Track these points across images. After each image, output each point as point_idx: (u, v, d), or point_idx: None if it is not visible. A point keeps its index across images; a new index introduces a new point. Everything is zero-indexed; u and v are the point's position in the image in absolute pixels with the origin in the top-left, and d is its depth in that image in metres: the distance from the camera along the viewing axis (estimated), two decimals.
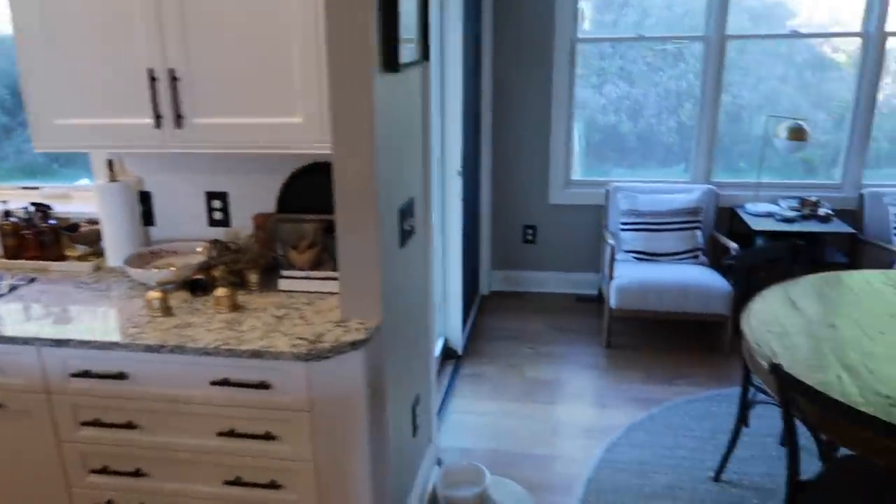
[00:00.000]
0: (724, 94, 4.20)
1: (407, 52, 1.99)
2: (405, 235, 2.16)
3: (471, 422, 3.13)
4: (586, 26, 4.27)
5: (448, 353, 3.71)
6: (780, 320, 2.16)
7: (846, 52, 4.09)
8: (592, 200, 4.39)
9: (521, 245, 4.59)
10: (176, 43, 1.87)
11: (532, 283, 4.63)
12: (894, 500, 1.80)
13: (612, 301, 3.68)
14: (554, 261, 4.58)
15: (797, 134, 3.82)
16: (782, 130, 3.87)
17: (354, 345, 1.81)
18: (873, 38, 3.92)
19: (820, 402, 1.57)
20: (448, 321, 3.70)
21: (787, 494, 1.80)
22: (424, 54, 2.25)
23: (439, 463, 2.79)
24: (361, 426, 1.91)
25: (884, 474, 1.67)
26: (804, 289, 2.42)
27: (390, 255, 2.01)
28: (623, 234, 4.00)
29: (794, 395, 1.67)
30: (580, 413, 3.17)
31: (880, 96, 4.06)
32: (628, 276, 3.67)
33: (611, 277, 3.72)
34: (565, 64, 4.22)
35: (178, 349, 1.80)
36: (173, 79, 1.89)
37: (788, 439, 1.75)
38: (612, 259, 3.77)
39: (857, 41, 4.01)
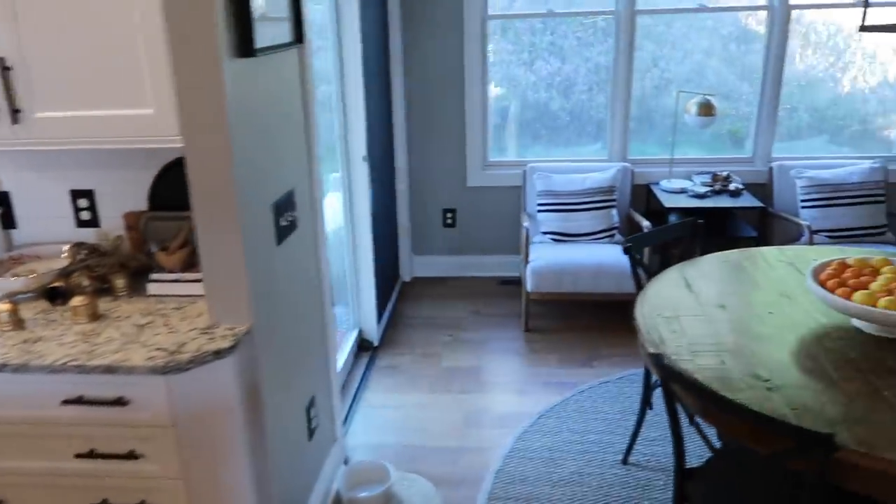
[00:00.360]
0: (654, 69, 4.16)
1: (270, 34, 1.84)
2: (283, 231, 2.03)
3: (384, 416, 3.03)
4: (519, 3, 4.14)
5: (363, 345, 3.60)
6: (672, 303, 2.12)
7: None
8: (511, 182, 4.32)
9: (442, 229, 4.50)
10: (5, 28, 1.68)
11: (454, 267, 4.56)
12: (778, 484, 1.79)
13: (529, 285, 3.63)
14: (476, 244, 4.51)
15: (706, 109, 3.82)
16: (692, 106, 3.86)
17: (219, 353, 1.68)
18: (778, 11, 3.94)
19: (695, 392, 1.53)
20: (362, 312, 3.59)
21: (675, 484, 1.77)
22: (298, 36, 2.10)
23: (347, 462, 2.70)
24: (237, 438, 1.79)
25: (766, 460, 1.65)
26: (701, 269, 2.39)
27: (264, 254, 1.88)
28: (540, 215, 3.95)
29: (674, 385, 1.63)
30: (495, 401, 3.12)
31: (800, 67, 4.09)
32: (543, 258, 3.62)
33: (526, 261, 3.67)
34: (477, 42, 4.11)
35: (22, 368, 1.64)
36: (4, 68, 1.71)
37: (672, 429, 1.72)
38: (527, 242, 3.71)
39: (765, 14, 4.02)
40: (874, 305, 1.79)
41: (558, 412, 2.96)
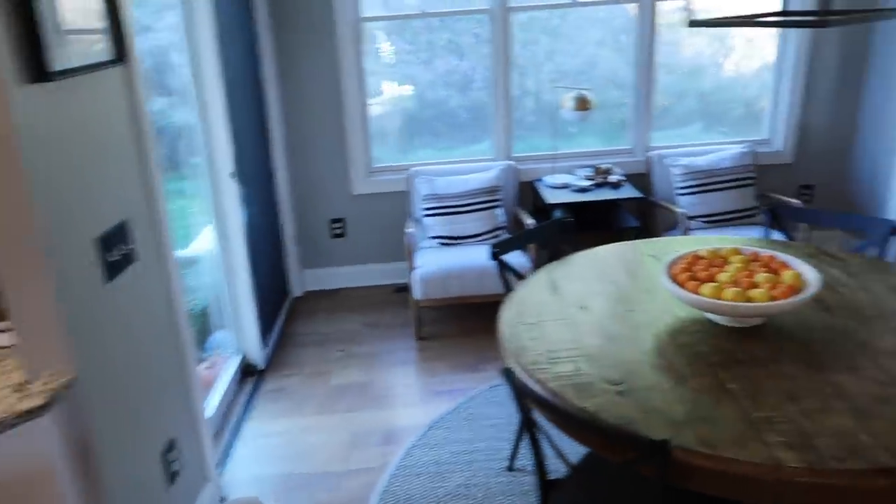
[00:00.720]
0: (548, 63, 4.15)
1: (76, 53, 1.68)
2: (115, 266, 1.86)
3: (268, 445, 2.89)
4: (411, 2, 4.04)
5: (248, 370, 3.44)
6: (536, 308, 2.09)
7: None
8: (397, 187, 4.24)
9: (331, 240, 4.37)
10: None
11: (347, 278, 4.44)
12: (635, 490, 1.78)
13: (417, 292, 3.56)
14: (367, 253, 4.41)
15: (582, 104, 3.86)
16: (568, 101, 3.89)
17: (31, 413, 1.51)
18: (647, 2, 4.02)
19: (544, 405, 1.49)
20: (244, 336, 3.42)
21: (539, 496, 1.74)
22: (120, 54, 1.93)
23: (223, 501, 2.55)
24: (66, 501, 1.63)
25: (622, 468, 1.63)
26: (569, 269, 2.38)
27: (87, 294, 1.71)
28: (426, 219, 3.89)
29: (527, 400, 1.59)
30: (384, 417, 3.03)
31: (688, 54, 4.19)
32: (429, 264, 3.56)
33: (412, 268, 3.60)
34: (351, 45, 4.00)
35: None
36: None
37: (531, 443, 1.68)
38: (411, 249, 3.64)
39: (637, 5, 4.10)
40: (720, 297, 1.81)
41: (448, 422, 2.90)
